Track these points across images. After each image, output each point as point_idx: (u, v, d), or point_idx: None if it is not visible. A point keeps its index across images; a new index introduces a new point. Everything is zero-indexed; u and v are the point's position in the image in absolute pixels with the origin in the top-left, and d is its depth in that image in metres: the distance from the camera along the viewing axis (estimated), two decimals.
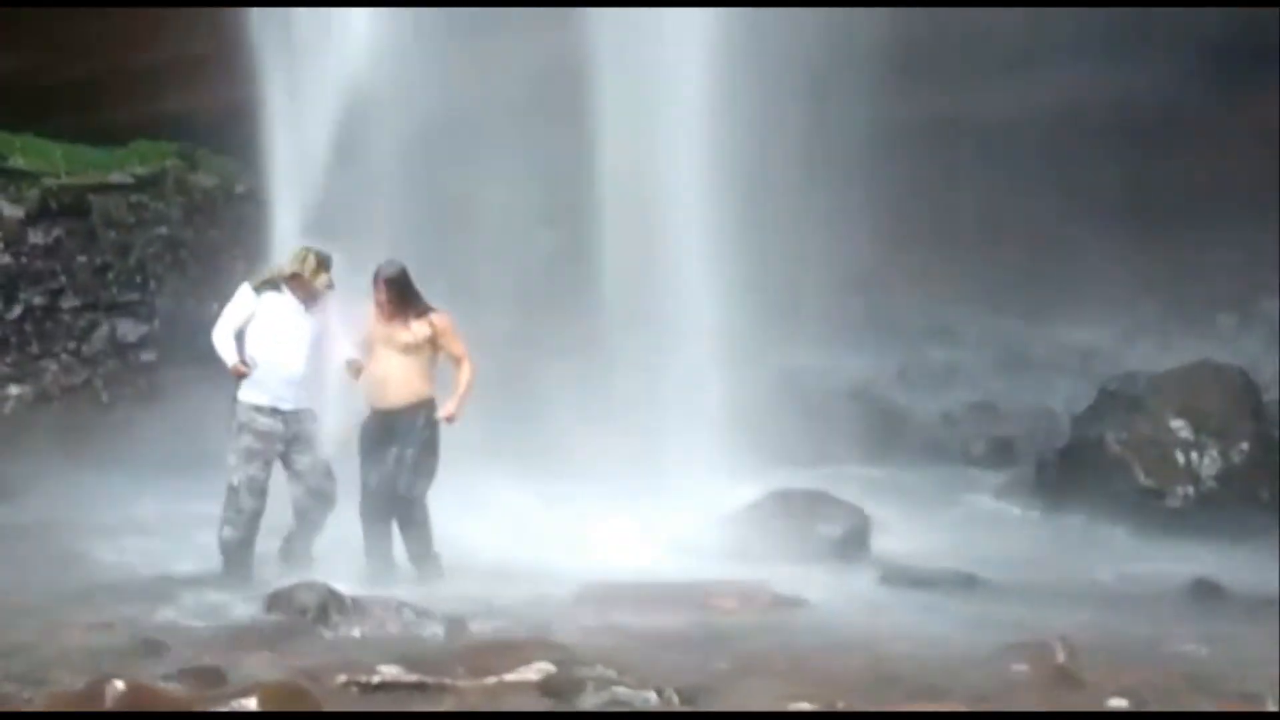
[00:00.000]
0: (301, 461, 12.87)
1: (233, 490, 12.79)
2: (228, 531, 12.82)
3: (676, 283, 16.48)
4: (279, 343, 12.70)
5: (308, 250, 12.85)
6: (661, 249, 16.55)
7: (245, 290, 12.85)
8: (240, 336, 12.68)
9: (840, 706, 9.55)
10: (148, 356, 21.40)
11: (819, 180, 16.09)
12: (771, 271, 16.39)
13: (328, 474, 12.97)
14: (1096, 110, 20.01)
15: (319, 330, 12.84)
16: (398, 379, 12.90)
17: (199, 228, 22.72)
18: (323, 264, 12.78)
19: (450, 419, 12.93)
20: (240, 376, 12.68)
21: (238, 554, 12.82)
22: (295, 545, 12.96)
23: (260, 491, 12.83)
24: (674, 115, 16.65)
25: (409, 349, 12.88)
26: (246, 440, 12.77)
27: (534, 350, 13.84)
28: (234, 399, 12.79)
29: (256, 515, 12.82)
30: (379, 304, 12.99)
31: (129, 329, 22.45)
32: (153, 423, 15.52)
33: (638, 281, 16.37)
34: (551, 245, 17.02)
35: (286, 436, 12.79)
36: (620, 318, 16.27)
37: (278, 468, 12.96)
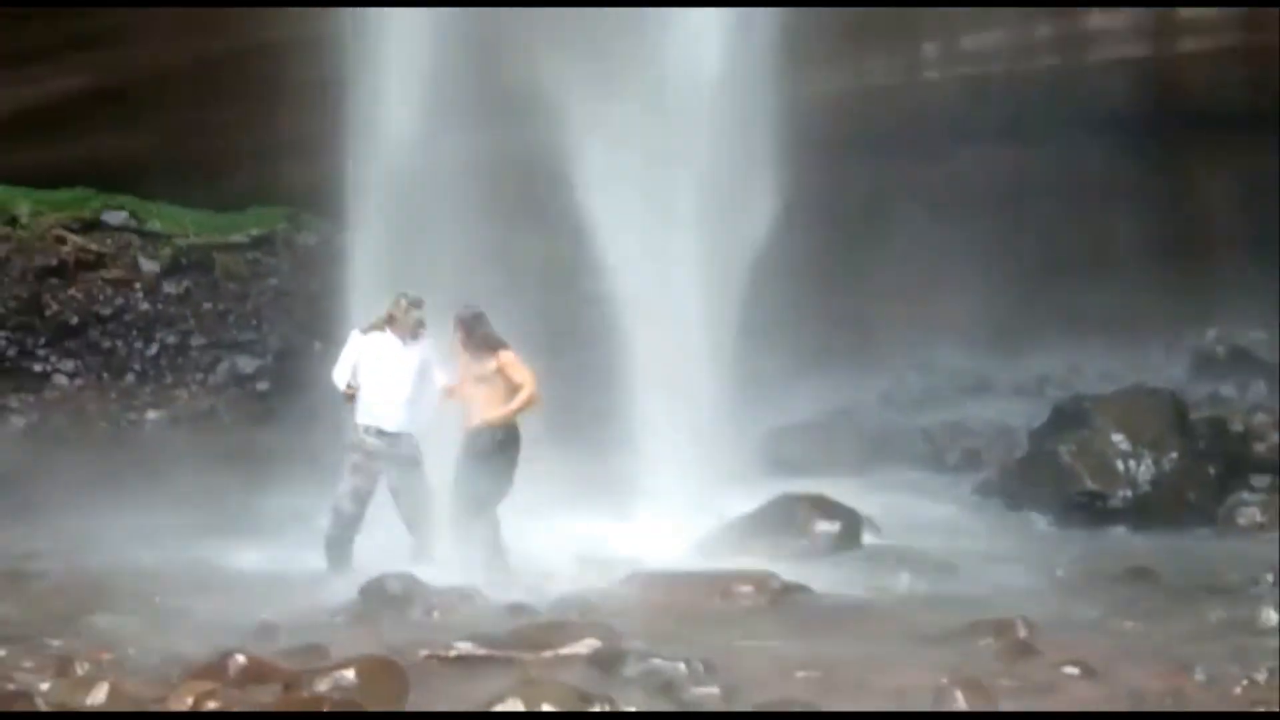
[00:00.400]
0: (403, 479, 12.88)
1: (339, 496, 12.86)
2: (330, 530, 12.88)
3: (693, 332, 16.38)
4: (383, 374, 12.78)
5: (401, 295, 12.96)
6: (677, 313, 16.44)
7: (355, 335, 13.00)
8: (354, 371, 12.79)
9: (840, 676, 9.57)
10: (262, 386, 21.51)
11: (817, 242, 16.07)
12: (779, 317, 16.37)
13: (426, 491, 12.97)
14: (1039, 179, 20.00)
15: (418, 362, 12.90)
16: (477, 405, 12.95)
17: (302, 279, 22.83)
18: (414, 306, 12.91)
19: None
20: (350, 399, 12.78)
21: (337, 549, 12.87)
22: (415, 545, 12.92)
23: (361, 500, 12.86)
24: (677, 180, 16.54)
25: (482, 379, 12.93)
26: (355, 457, 12.84)
27: (571, 386, 13.81)
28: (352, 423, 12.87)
29: (356, 519, 12.86)
30: (458, 341, 13.07)
31: (246, 363, 22.57)
32: (266, 440, 15.55)
33: (658, 338, 16.26)
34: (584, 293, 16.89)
35: (389, 455, 12.80)
36: (642, 358, 16.18)
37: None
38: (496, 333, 13.06)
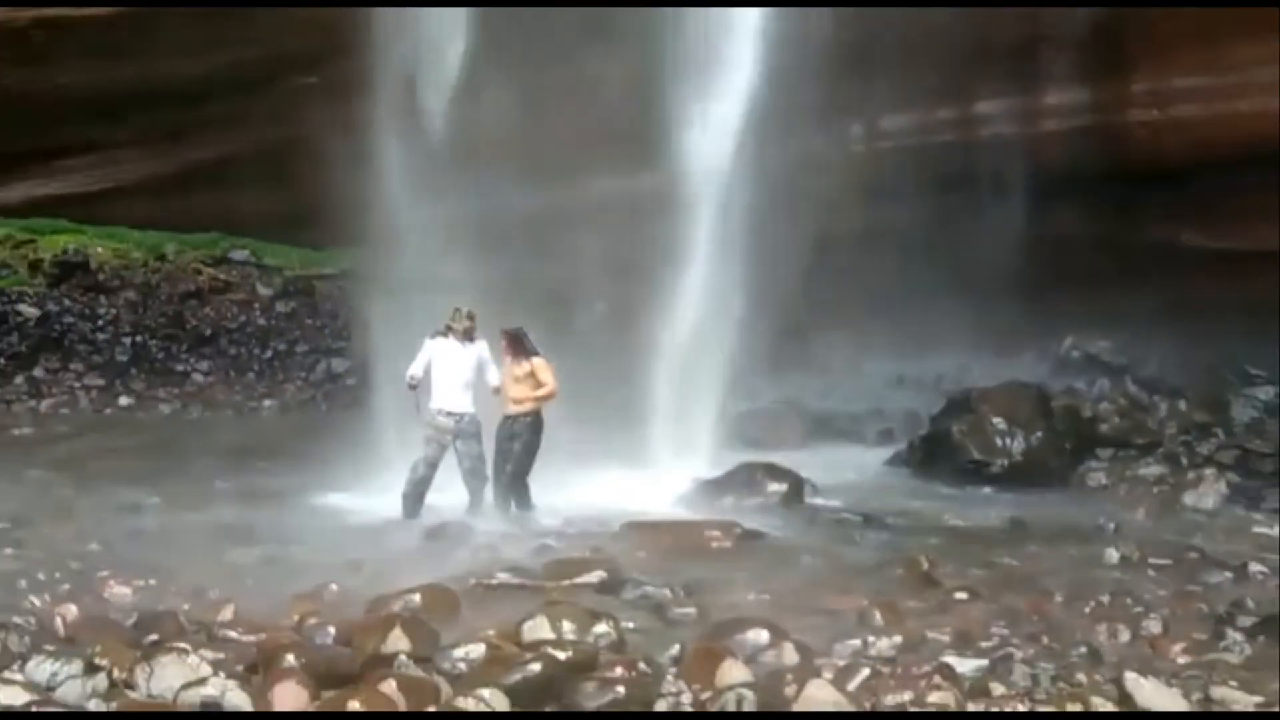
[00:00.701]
0: (465, 448, 13.00)
1: (416, 462, 12.97)
2: (407, 488, 12.93)
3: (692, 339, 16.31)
4: (448, 369, 12.99)
5: (457, 309, 13.15)
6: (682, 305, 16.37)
7: (426, 341, 13.13)
8: (427, 368, 12.97)
9: (787, 600, 9.56)
10: (350, 381, 21.48)
11: (770, 272, 15.99)
12: (740, 326, 16.31)
13: (480, 458, 13.05)
14: (940, 227, 20.01)
15: (474, 359, 13.07)
16: (515, 397, 13.04)
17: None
18: (467, 317, 13.11)
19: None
20: (412, 389, 12.91)
21: (411, 503, 12.92)
22: (471, 501, 13.03)
23: (432, 465, 12.96)
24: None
25: (519, 379, 13.03)
26: (429, 432, 12.98)
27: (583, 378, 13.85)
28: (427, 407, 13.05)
29: (426, 480, 12.95)
30: (504, 349, 13.17)
31: (339, 364, 22.54)
32: (353, 422, 15.53)
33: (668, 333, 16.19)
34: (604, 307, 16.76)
35: (455, 431, 12.94)
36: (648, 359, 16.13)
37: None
38: (531, 343, 13.15)
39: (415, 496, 12.94)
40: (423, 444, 13.01)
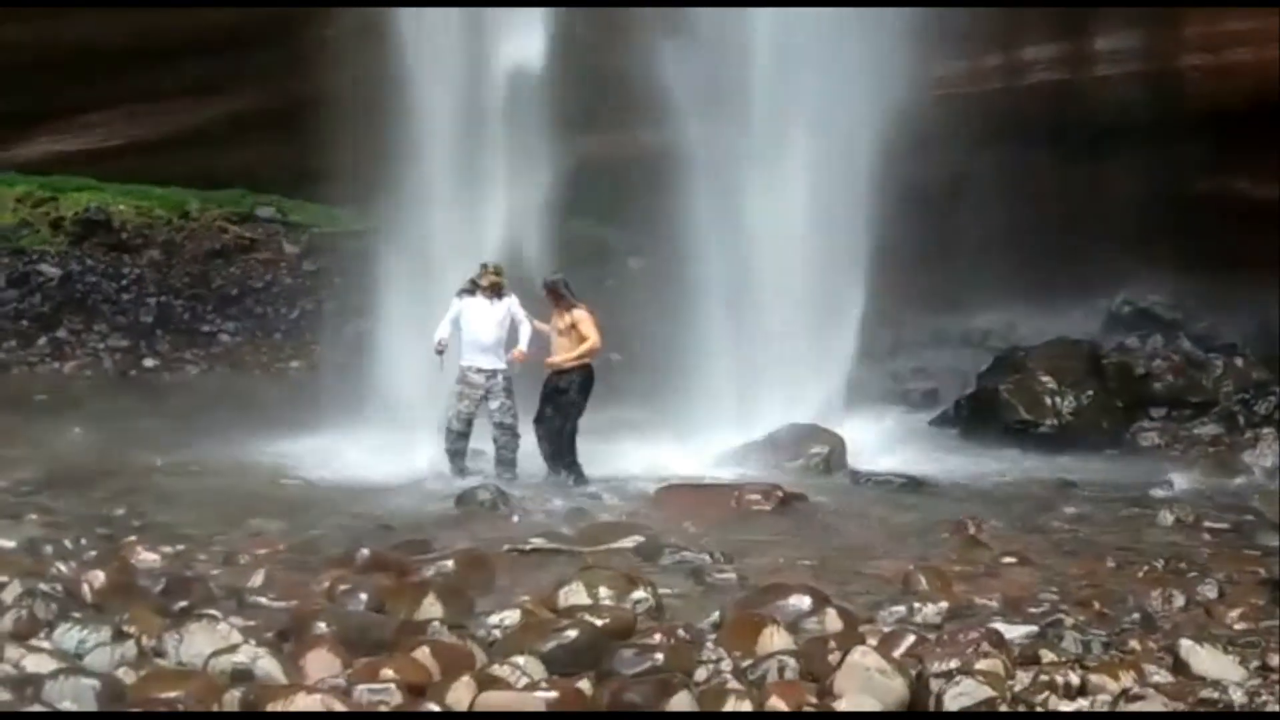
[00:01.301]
0: (494, 404, 13.18)
1: (450, 418, 13.20)
2: (447, 445, 13.22)
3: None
4: (475, 325, 13.18)
5: (484, 264, 13.37)
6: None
7: (454, 299, 13.30)
8: (455, 324, 13.19)
9: (829, 565, 9.56)
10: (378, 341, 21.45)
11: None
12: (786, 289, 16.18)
13: (512, 412, 13.21)
14: (984, 179, 19.80)
15: (503, 315, 13.23)
16: (561, 350, 13.10)
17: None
18: (494, 273, 13.28)
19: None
20: (439, 352, 13.09)
21: (455, 458, 13.22)
22: (501, 457, 13.19)
23: (467, 421, 13.21)
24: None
25: (563, 331, 13.12)
26: (460, 388, 13.20)
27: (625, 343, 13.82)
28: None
29: (464, 435, 13.22)
30: (547, 298, 13.28)
31: (368, 324, 22.50)
32: (382, 385, 15.53)
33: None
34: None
35: (486, 386, 13.15)
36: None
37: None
38: (571, 294, 13.19)
39: (457, 453, 13.23)
40: (454, 401, 13.20)
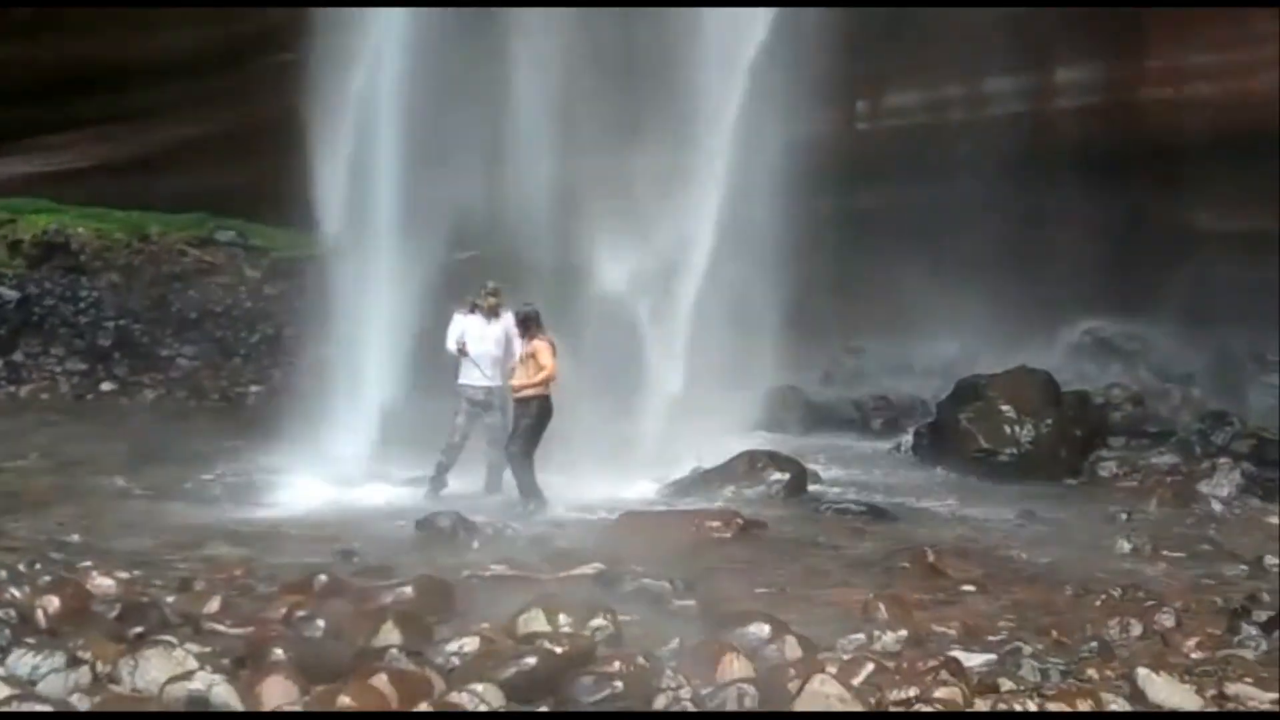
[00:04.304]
0: (490, 420, 13.60)
1: (449, 433, 13.56)
2: (441, 458, 13.51)
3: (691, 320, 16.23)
4: (475, 344, 13.57)
5: (483, 285, 13.80)
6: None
7: (455, 316, 13.78)
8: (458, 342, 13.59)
9: (789, 592, 9.56)
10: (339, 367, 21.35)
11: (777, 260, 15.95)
12: (748, 316, 16.25)
13: (503, 429, 13.46)
14: (945, 210, 19.95)
15: (500, 334, 13.64)
16: (520, 378, 13.19)
17: None
18: (492, 294, 13.72)
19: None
20: (463, 354, 13.49)
21: (439, 470, 13.49)
22: (490, 475, 13.53)
23: (464, 436, 13.59)
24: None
25: (524, 360, 13.17)
26: (461, 405, 13.60)
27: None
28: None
29: (458, 449, 13.57)
30: (516, 327, 13.44)
31: (328, 349, 22.41)
32: (343, 411, 15.43)
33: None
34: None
35: (485, 403, 13.57)
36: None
37: None
38: (539, 325, 13.21)
39: (445, 466, 13.50)
40: (454, 417, 13.56)
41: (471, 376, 13.56)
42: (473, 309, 13.69)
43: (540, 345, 13.11)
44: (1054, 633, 8.39)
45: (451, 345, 13.57)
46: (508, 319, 13.52)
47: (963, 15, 19.74)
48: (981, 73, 21.82)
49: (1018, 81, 21.73)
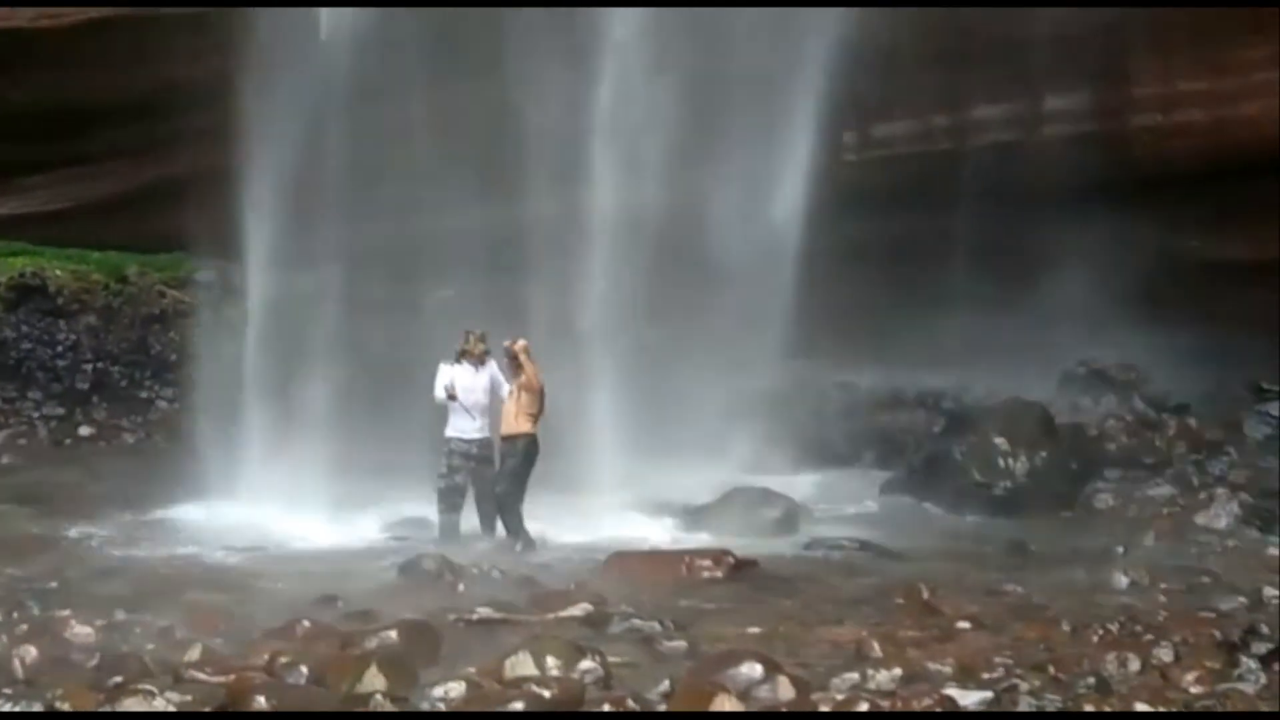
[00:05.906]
0: (481, 472, 13.52)
1: (442, 491, 13.48)
2: (440, 518, 13.48)
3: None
4: (465, 394, 13.48)
5: (469, 332, 13.71)
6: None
7: (442, 366, 13.63)
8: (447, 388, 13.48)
9: (781, 631, 9.55)
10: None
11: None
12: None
13: (494, 480, 13.41)
14: (935, 239, 20.01)
15: (487, 381, 13.63)
16: (508, 415, 13.31)
17: None
18: (479, 339, 13.68)
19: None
20: (453, 398, 13.40)
21: (448, 528, 13.42)
22: (483, 522, 13.50)
23: (460, 492, 13.50)
24: None
25: (513, 393, 13.27)
26: (451, 460, 13.51)
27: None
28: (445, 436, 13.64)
29: (458, 506, 13.48)
30: (505, 363, 13.49)
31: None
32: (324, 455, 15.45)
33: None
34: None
35: (474, 455, 13.51)
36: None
37: None
38: (528, 361, 13.22)
39: (449, 523, 13.44)
40: (445, 472, 13.47)
41: (461, 428, 13.48)
42: (459, 358, 13.60)
43: (530, 373, 13.12)
44: (1051, 669, 8.37)
45: (440, 393, 13.47)
46: (493, 367, 13.55)
47: (948, 42, 19.83)
48: (968, 102, 21.88)
49: (1005, 109, 21.79)
